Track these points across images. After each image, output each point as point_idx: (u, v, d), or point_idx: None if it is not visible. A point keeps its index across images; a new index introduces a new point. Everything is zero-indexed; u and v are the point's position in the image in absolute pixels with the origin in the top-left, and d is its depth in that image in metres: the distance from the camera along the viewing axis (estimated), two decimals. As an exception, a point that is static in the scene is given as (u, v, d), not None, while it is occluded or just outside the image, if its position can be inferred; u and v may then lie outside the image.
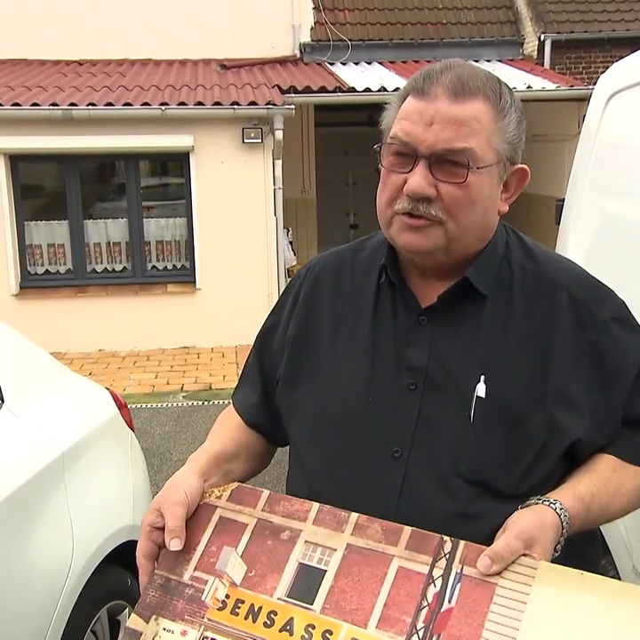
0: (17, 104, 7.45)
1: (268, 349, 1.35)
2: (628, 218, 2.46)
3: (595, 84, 2.99)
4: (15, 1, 9.60)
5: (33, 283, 8.06)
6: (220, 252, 8.04)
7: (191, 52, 10.17)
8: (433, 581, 0.96)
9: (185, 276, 8.27)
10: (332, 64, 10.31)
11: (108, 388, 2.82)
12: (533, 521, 1.02)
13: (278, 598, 1.00)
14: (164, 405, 6.32)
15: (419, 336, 1.18)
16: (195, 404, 6.36)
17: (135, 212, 8.20)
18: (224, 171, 7.97)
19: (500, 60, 10.63)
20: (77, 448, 2.30)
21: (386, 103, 1.20)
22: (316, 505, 1.07)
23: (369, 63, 10.53)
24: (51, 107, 7.44)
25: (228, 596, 1.02)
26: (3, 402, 2.20)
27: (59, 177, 8.18)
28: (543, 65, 10.26)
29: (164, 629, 1.02)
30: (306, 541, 1.04)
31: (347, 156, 11.35)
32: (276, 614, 0.99)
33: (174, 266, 8.39)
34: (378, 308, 1.23)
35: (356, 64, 10.48)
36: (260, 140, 7.87)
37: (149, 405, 6.30)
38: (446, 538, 0.99)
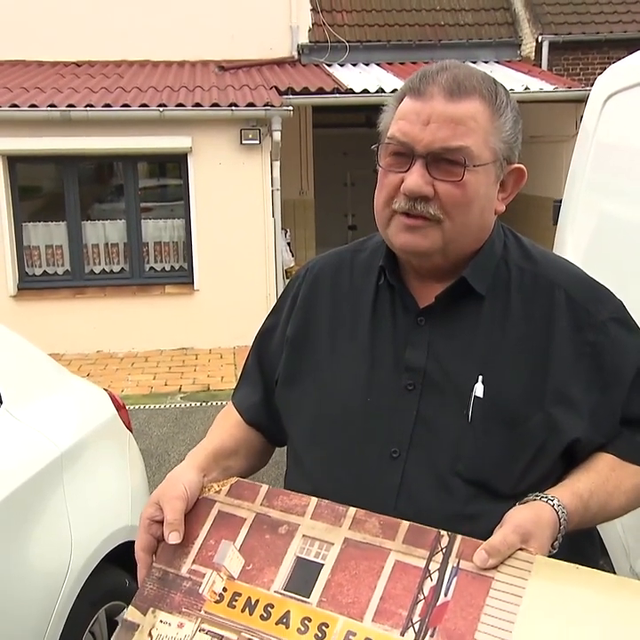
0: (15, 105, 7.46)
1: (267, 350, 1.35)
2: (625, 218, 2.47)
3: (592, 85, 3.00)
4: (14, 1, 9.60)
5: (31, 284, 8.05)
6: (218, 254, 8.04)
7: (189, 53, 10.17)
8: (429, 575, 0.96)
9: (183, 278, 8.26)
10: (329, 65, 10.31)
11: (106, 389, 2.82)
12: (530, 516, 1.02)
13: (275, 591, 1.01)
14: (162, 406, 6.31)
15: (417, 336, 1.18)
16: (193, 405, 6.35)
17: (133, 213, 8.19)
18: (222, 172, 7.97)
19: (497, 62, 10.64)
20: (76, 449, 2.30)
21: (384, 104, 1.21)
22: (314, 500, 1.07)
23: (367, 64, 10.54)
24: (49, 108, 7.44)
25: (225, 589, 1.03)
26: (1, 403, 2.19)
27: (57, 178, 8.17)
28: (541, 66, 10.28)
29: (161, 622, 1.03)
30: (303, 535, 1.04)
31: (345, 158, 11.33)
32: (272, 607, 0.99)
33: (172, 267, 8.38)
34: (377, 309, 1.23)
35: (354, 65, 10.49)
36: (258, 142, 7.86)
37: (147, 406, 6.29)
38: (443, 532, 0.99)
